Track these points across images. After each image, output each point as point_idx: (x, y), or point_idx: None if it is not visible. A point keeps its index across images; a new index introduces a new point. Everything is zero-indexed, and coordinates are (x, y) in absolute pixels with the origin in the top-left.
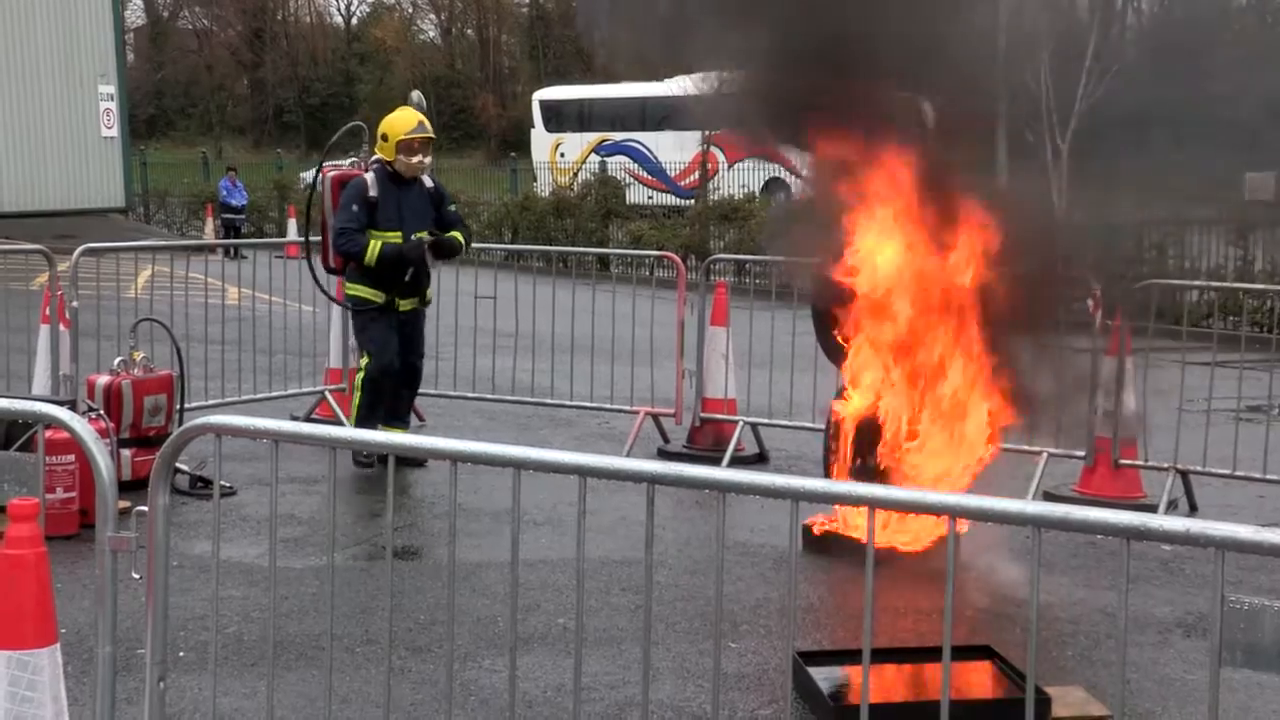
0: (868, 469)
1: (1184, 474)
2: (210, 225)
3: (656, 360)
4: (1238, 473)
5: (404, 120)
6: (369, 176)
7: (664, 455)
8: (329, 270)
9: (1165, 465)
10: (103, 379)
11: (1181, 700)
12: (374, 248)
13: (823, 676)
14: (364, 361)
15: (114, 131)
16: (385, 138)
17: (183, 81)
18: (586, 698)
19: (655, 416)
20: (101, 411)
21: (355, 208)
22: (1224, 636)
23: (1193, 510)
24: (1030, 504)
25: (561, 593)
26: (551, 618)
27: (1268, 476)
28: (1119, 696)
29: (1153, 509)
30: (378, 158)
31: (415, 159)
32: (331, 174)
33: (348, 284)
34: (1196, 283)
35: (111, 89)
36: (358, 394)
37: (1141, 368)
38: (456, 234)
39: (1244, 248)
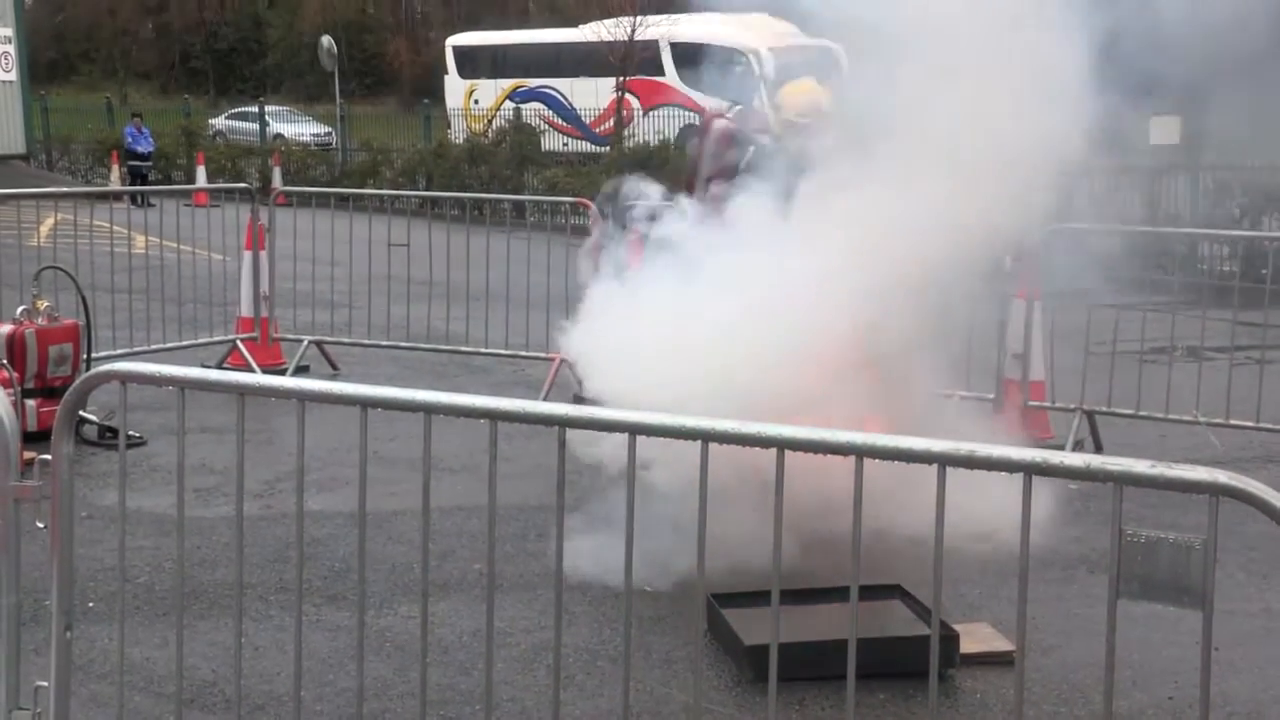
0: None
1: (1090, 414)
2: (116, 172)
3: (572, 307)
4: (1141, 412)
5: None
6: None
7: (579, 401)
8: None
9: (1072, 406)
10: (5, 328)
11: (1085, 634)
12: None
13: (736, 617)
14: None
15: (12, 75)
16: None
17: (84, 25)
18: (501, 643)
19: (571, 363)
20: (4, 361)
21: None
22: (1121, 569)
23: (1098, 449)
24: (936, 442)
25: (476, 539)
26: (466, 564)
27: (1169, 416)
28: (1021, 631)
29: (1060, 449)
30: None
31: None
32: None
33: None
34: (1103, 226)
35: (9, 32)
36: None
37: (1049, 311)
38: None
39: (1150, 192)
